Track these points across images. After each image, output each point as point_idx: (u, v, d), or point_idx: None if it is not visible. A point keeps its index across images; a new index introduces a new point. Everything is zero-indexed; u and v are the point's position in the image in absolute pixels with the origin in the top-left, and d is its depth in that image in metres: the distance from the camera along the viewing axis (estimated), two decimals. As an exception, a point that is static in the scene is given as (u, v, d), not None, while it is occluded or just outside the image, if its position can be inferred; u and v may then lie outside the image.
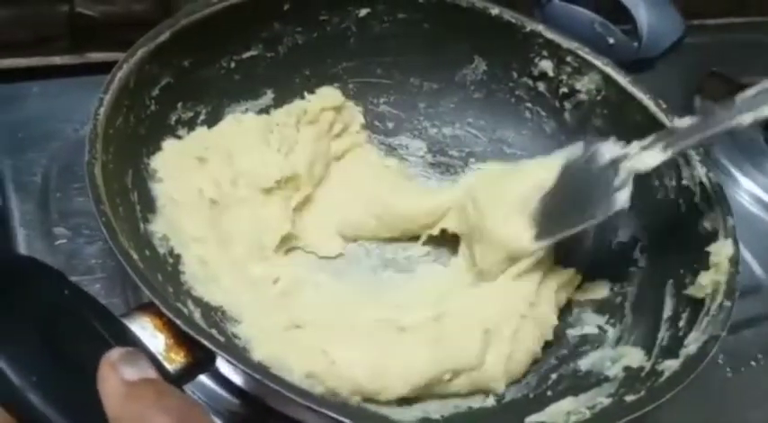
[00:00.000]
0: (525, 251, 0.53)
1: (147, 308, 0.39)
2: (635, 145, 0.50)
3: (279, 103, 0.63)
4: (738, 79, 0.80)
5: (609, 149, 0.51)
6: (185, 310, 0.46)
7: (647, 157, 0.50)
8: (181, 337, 0.38)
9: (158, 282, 0.45)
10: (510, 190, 0.54)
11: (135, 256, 0.43)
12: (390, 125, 0.67)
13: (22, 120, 0.63)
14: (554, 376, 0.52)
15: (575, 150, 0.53)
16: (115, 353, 0.33)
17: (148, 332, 0.38)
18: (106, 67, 0.50)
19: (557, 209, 0.52)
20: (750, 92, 0.46)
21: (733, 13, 0.92)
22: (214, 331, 0.46)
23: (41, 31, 0.66)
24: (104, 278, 0.55)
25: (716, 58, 0.80)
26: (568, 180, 0.52)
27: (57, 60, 0.69)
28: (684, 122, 0.49)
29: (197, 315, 0.48)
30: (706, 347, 0.44)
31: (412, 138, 0.67)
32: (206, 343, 0.36)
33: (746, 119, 0.46)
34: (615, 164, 0.50)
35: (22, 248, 0.56)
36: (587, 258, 0.59)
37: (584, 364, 0.52)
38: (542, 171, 0.54)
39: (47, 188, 0.59)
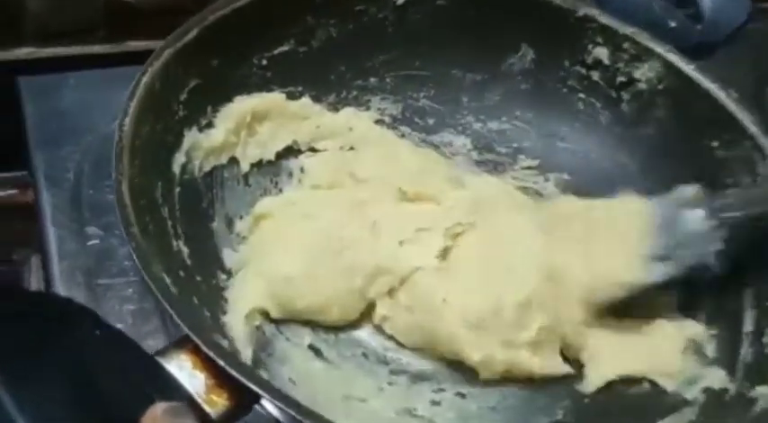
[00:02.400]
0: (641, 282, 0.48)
1: (185, 343, 0.35)
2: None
3: (315, 102, 0.60)
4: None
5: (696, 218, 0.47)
6: (226, 342, 0.42)
7: None
8: (223, 376, 0.34)
9: (195, 307, 0.42)
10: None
11: (168, 281, 0.39)
12: (431, 121, 0.63)
13: (57, 112, 0.61)
14: (623, 398, 0.48)
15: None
16: (159, 408, 0.30)
17: (186, 372, 0.34)
18: (146, 56, 0.47)
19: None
20: None
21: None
22: (260, 369, 0.43)
23: (78, 20, 0.64)
24: (137, 282, 0.52)
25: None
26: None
27: (96, 49, 0.66)
28: None
29: (241, 337, 0.44)
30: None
31: (455, 134, 0.63)
32: (253, 387, 0.33)
33: None
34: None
35: (53, 250, 0.53)
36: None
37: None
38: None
39: (79, 184, 0.57)
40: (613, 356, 0.49)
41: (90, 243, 0.54)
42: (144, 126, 0.45)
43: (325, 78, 0.60)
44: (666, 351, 0.49)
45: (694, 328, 0.50)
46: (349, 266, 0.49)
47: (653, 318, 0.51)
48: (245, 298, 0.47)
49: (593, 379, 0.48)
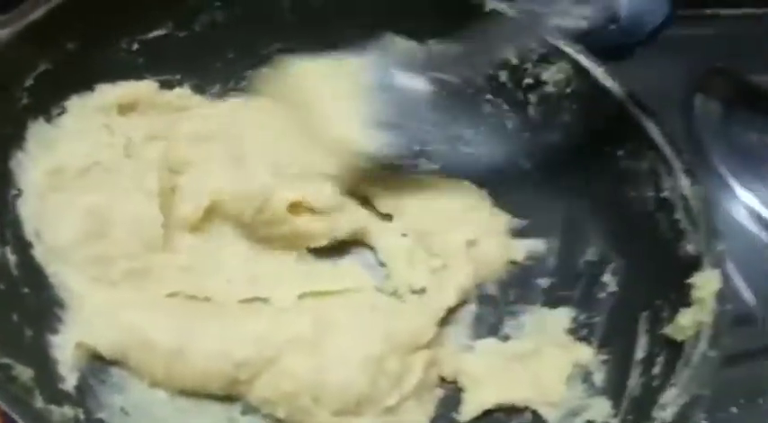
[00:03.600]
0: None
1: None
2: None
3: (197, 92, 0.55)
4: (744, 76, 0.71)
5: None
6: (29, 372, 0.36)
7: None
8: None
9: (11, 325, 0.37)
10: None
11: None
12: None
13: None
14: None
15: None
16: None
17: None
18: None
19: None
20: None
21: (751, 3, 0.81)
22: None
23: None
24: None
25: (723, 53, 0.70)
26: None
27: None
28: None
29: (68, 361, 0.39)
30: (687, 412, 0.37)
31: (352, 134, 0.58)
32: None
33: None
34: None
35: None
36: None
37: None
38: None
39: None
40: (495, 382, 0.45)
41: None
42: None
43: (209, 66, 0.55)
44: (551, 377, 0.46)
45: (584, 353, 0.47)
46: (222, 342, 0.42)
47: (541, 340, 0.47)
48: (81, 332, 0.41)
49: (469, 407, 0.45)
